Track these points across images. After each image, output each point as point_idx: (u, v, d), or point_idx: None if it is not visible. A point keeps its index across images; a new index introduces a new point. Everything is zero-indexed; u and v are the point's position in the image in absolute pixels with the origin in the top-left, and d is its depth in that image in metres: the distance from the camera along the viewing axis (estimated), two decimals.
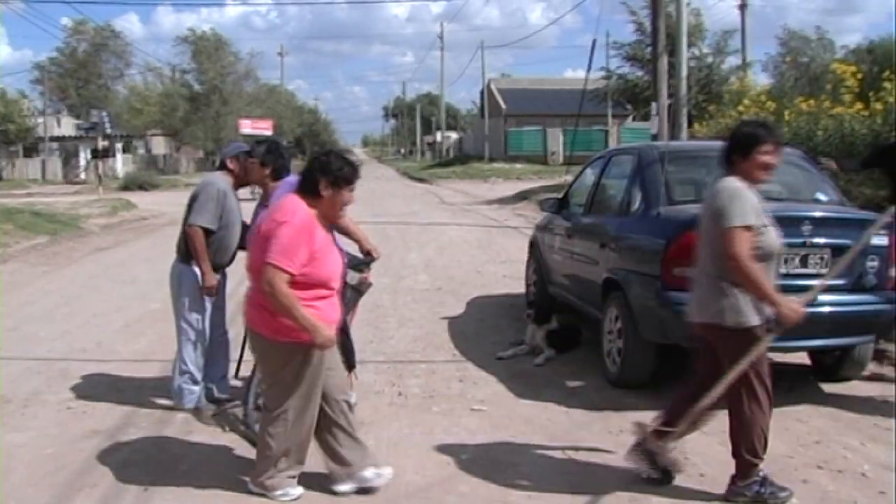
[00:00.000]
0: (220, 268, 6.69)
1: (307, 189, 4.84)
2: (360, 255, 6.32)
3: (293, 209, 4.77)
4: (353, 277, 6.08)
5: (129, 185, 40.67)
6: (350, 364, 6.66)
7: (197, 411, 6.57)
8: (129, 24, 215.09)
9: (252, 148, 6.71)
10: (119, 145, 53.04)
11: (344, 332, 6.48)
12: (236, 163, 6.67)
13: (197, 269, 6.54)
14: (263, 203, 6.31)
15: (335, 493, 5.14)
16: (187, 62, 62.48)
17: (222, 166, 6.77)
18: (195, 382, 6.62)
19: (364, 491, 5.15)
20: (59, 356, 8.50)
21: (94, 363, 8.19)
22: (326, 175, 4.81)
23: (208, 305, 6.63)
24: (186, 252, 6.58)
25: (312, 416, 5.01)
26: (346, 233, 6.45)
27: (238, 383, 6.90)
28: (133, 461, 5.68)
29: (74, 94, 66.57)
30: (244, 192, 7.02)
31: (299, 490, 5.12)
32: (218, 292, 6.69)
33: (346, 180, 4.87)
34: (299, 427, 4.99)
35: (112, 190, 37.77)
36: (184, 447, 5.97)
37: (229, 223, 6.59)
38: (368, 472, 5.19)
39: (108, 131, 44.57)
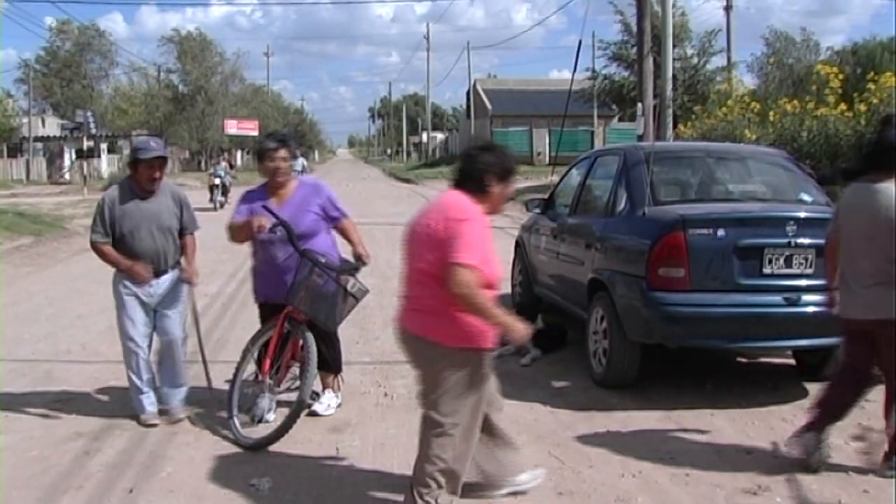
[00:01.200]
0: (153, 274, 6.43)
1: (473, 186, 4.63)
2: (351, 260, 6.45)
3: (468, 206, 4.53)
4: (353, 284, 6.19)
5: (114, 185, 40.48)
6: (337, 367, 6.73)
7: (151, 416, 6.48)
8: (114, 23, 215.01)
9: (279, 138, 6.57)
10: (104, 145, 52.79)
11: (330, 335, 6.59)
12: (132, 167, 6.41)
13: (116, 277, 6.46)
14: (265, 196, 6.45)
15: (490, 499, 5.06)
16: (172, 62, 62.37)
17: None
18: (141, 392, 6.47)
19: (514, 494, 5.10)
20: (44, 358, 8.47)
21: (79, 365, 8.16)
22: (494, 170, 4.66)
23: (138, 315, 6.39)
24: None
25: (478, 429, 4.75)
26: (346, 234, 6.61)
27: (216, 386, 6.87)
28: (118, 463, 5.67)
29: (59, 93, 66.31)
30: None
31: None
32: (145, 282, 6.31)
33: (512, 172, 4.78)
34: (467, 440, 4.67)
35: (97, 190, 37.35)
36: (169, 449, 5.95)
37: (132, 229, 6.32)
38: (524, 476, 5.14)
39: (93, 131, 44.44)
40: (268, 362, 6.17)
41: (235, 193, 24.59)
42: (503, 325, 4.47)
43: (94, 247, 6.37)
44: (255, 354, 6.35)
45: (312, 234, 6.38)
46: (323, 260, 6.13)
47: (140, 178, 6.32)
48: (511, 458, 5.08)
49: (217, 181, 29.02)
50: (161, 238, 6.39)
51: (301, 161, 29.14)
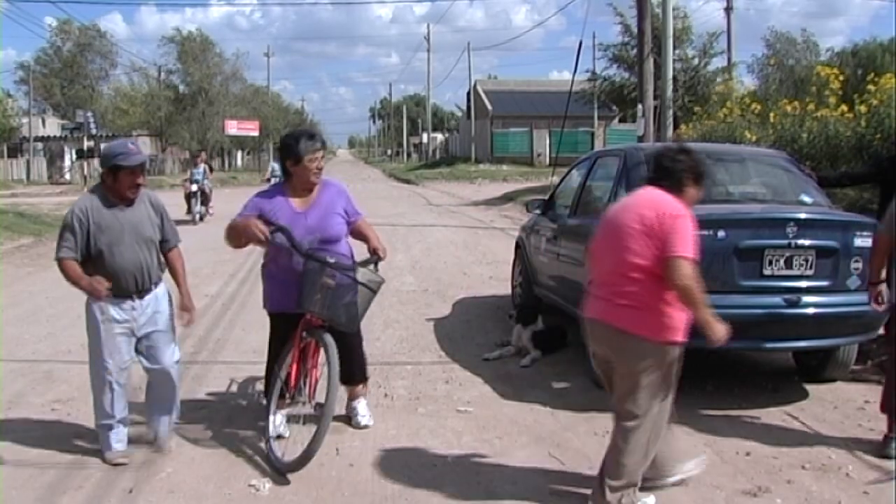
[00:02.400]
0: (127, 294, 5.66)
1: (671, 185, 4.83)
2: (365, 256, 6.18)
3: (676, 202, 4.73)
4: (363, 274, 5.81)
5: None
6: (363, 376, 6.51)
7: (118, 455, 5.74)
8: (113, 24, 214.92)
9: (320, 138, 6.15)
10: (104, 146, 52.74)
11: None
12: (109, 178, 5.61)
13: (90, 299, 5.70)
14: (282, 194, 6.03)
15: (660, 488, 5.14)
16: (173, 62, 62.40)
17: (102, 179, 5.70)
18: (110, 428, 5.73)
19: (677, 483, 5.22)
20: (44, 358, 8.47)
21: (79, 365, 8.11)
22: (692, 172, 4.89)
23: (119, 343, 5.65)
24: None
25: (666, 422, 4.90)
26: (361, 232, 6.23)
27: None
28: (118, 463, 5.67)
29: (59, 94, 66.35)
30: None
31: (652, 499, 4.99)
32: (105, 295, 5.54)
33: (704, 177, 5.02)
34: (657, 433, 4.82)
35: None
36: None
37: (112, 243, 5.54)
38: (690, 463, 5.26)
39: (94, 131, 44.47)
40: (293, 377, 5.79)
41: (219, 201, 24.25)
42: (708, 321, 4.62)
43: (61, 264, 5.52)
44: (283, 375, 5.88)
45: (338, 239, 6.07)
46: (332, 259, 5.74)
47: (120, 187, 5.54)
48: (676, 447, 5.21)
49: (194, 187, 23.95)
50: (144, 251, 5.65)
51: (275, 165, 24.79)
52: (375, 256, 6.04)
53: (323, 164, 6.05)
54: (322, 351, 5.75)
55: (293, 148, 5.95)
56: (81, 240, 5.50)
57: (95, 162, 47.34)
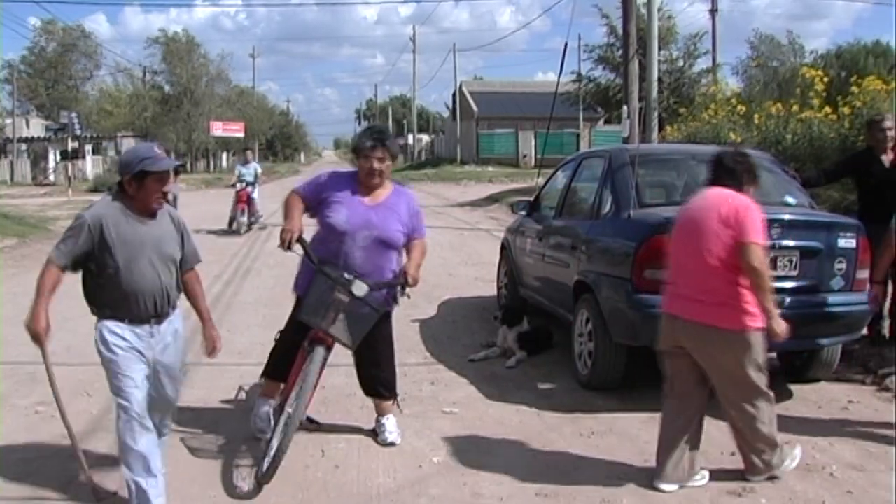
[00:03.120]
0: (144, 319, 4.95)
1: (732, 184, 5.24)
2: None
3: (744, 196, 5.17)
4: (360, 288, 5.48)
5: (99, 186, 40.22)
6: (390, 392, 6.28)
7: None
8: (98, 24, 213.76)
9: (375, 135, 5.88)
10: (89, 147, 52.65)
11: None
12: (133, 187, 4.84)
13: (103, 324, 5.01)
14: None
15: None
16: (158, 63, 62.21)
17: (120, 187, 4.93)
18: (152, 475, 4.87)
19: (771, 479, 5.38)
20: (28, 360, 8.37)
21: (64, 367, 8.08)
22: (751, 173, 5.35)
23: (138, 373, 4.92)
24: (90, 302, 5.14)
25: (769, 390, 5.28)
26: (409, 251, 5.97)
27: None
28: (103, 466, 5.64)
29: (44, 94, 66.09)
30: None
31: (706, 473, 5.40)
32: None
33: (758, 179, 5.49)
34: (771, 404, 5.26)
35: (82, 192, 37.42)
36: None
37: (130, 259, 4.83)
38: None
39: (78, 132, 44.40)
40: (290, 385, 5.66)
41: (205, 203, 23.33)
42: (771, 312, 4.99)
43: (48, 264, 4.84)
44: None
45: (394, 246, 5.83)
46: (349, 277, 5.49)
47: (146, 196, 4.82)
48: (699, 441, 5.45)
49: (241, 185, 20.96)
50: (164, 271, 4.97)
51: (254, 166, 21.77)
52: (403, 278, 5.67)
53: (380, 168, 5.78)
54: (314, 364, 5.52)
55: (356, 140, 6.02)
56: (81, 251, 4.80)
57: (80, 163, 47.36)
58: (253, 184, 20.99)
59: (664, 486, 5.24)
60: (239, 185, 20.96)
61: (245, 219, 20.64)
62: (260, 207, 21.50)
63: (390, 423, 6.18)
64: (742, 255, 4.92)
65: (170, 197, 15.60)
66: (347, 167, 6.04)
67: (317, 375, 5.49)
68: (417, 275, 5.72)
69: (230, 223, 20.75)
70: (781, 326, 4.99)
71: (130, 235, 4.82)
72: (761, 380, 5.14)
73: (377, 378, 6.12)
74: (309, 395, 5.46)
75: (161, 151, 5.02)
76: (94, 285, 4.97)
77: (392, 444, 6.06)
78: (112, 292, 4.88)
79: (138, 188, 4.80)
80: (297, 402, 5.41)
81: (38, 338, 4.97)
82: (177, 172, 19.56)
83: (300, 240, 5.59)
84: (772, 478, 5.32)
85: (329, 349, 5.60)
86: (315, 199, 5.89)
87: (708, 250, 5.04)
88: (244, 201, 20.69)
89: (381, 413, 6.22)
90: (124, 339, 4.89)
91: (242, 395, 7.02)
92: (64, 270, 4.88)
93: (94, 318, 5.04)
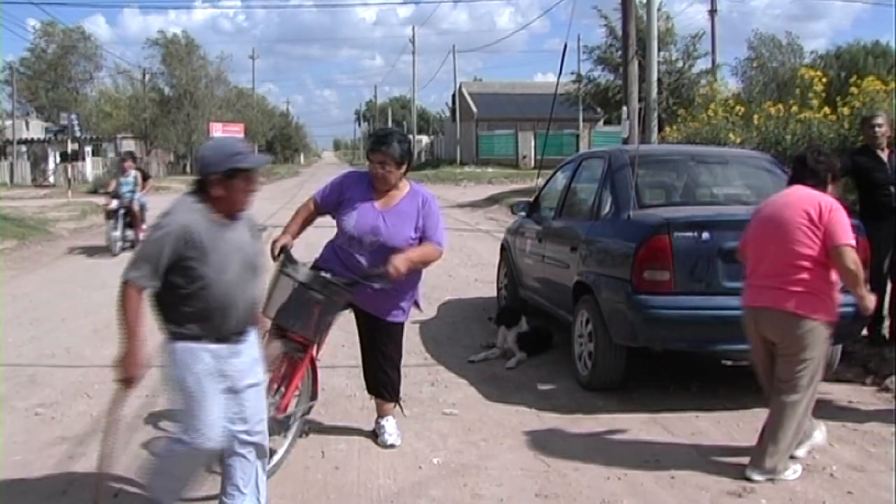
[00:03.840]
0: (228, 338, 4.37)
1: (815, 183, 5.47)
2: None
3: (829, 197, 5.39)
4: (302, 273, 5.47)
5: (99, 188, 40.28)
6: (392, 395, 6.19)
7: None
8: (96, 26, 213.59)
9: (380, 138, 5.77)
10: (88, 148, 52.63)
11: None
12: (220, 187, 4.26)
13: (181, 345, 4.34)
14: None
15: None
16: (157, 65, 62.20)
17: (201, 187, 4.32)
18: None
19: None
20: (27, 362, 8.42)
21: (63, 369, 8.13)
22: (832, 172, 5.56)
23: (220, 402, 4.35)
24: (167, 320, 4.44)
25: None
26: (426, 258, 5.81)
27: None
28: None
29: (43, 96, 66.04)
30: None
31: (799, 467, 5.52)
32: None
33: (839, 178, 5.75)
34: (810, 406, 5.50)
35: (81, 193, 37.36)
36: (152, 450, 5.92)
37: (219, 271, 4.26)
38: (817, 433, 5.83)
39: (78, 134, 44.24)
40: (273, 383, 5.45)
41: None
42: (864, 296, 5.30)
43: (126, 287, 4.14)
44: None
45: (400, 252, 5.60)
46: (327, 275, 5.51)
47: (234, 196, 4.29)
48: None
49: (115, 204, 16.63)
50: (250, 280, 4.44)
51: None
52: (382, 269, 5.49)
53: (382, 173, 5.66)
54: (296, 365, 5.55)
55: (368, 142, 5.99)
56: (167, 264, 4.16)
57: (79, 165, 47.33)
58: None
59: (755, 476, 5.38)
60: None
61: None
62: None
63: (390, 425, 6.14)
64: (836, 259, 5.18)
65: (135, 206, 14.67)
66: (347, 168, 6.02)
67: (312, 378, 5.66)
68: (402, 268, 5.48)
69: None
70: (871, 303, 5.38)
71: (219, 241, 4.26)
72: (816, 380, 5.40)
73: (381, 380, 6.10)
74: (305, 400, 5.69)
75: (247, 146, 4.62)
76: (174, 300, 4.29)
77: (392, 447, 6.03)
78: (198, 307, 4.26)
79: (225, 188, 4.25)
80: (297, 407, 5.52)
81: (132, 382, 4.27)
82: (145, 178, 17.03)
83: (283, 250, 5.55)
84: (771, 479, 5.34)
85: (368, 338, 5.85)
86: (334, 202, 5.84)
87: (795, 246, 5.27)
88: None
89: (381, 414, 6.19)
90: (205, 362, 4.29)
91: None
92: (143, 291, 4.21)
93: (166, 337, 4.42)
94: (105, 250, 16.82)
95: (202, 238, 4.17)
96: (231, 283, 4.28)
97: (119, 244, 16.55)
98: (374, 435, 6.19)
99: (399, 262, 5.47)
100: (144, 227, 15.86)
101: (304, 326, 5.44)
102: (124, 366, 4.21)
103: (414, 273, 5.76)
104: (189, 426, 4.27)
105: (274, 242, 5.59)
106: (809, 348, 5.28)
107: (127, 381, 4.24)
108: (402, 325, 6.09)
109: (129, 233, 16.79)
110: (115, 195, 16.81)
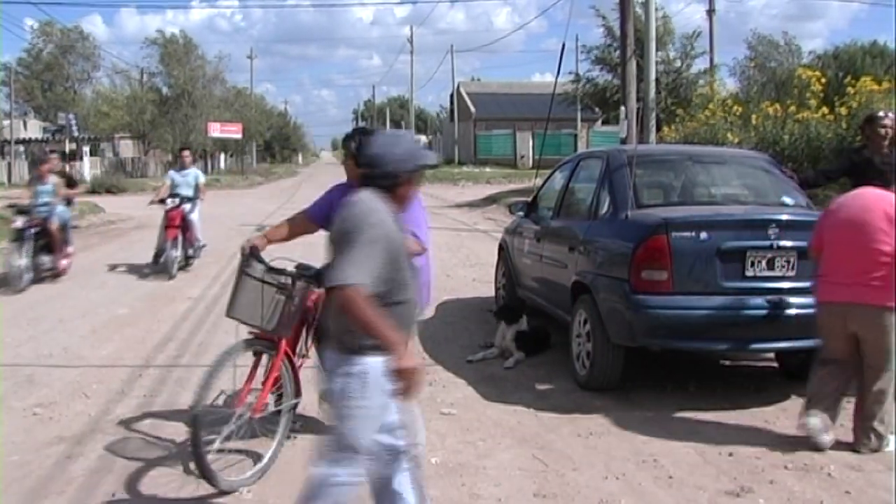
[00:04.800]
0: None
1: (880, 183, 6.00)
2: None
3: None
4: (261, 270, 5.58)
5: (97, 188, 40.23)
6: None
7: None
8: (94, 26, 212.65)
9: (350, 133, 5.70)
10: (86, 148, 52.61)
11: None
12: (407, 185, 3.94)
13: (372, 363, 3.73)
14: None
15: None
16: (155, 65, 62.09)
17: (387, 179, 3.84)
18: None
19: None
20: (25, 362, 8.41)
21: (61, 369, 8.11)
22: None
23: (385, 428, 3.96)
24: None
25: None
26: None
27: None
28: (100, 468, 5.63)
29: (41, 96, 66.05)
30: None
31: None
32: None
33: None
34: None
35: (79, 193, 37.32)
36: (152, 452, 5.91)
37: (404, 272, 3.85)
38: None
39: (75, 134, 44.32)
40: (243, 393, 5.40)
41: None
42: None
43: (354, 293, 3.51)
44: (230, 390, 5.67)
45: None
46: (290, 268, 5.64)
47: (408, 194, 3.98)
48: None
49: (20, 222, 12.72)
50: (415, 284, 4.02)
51: (194, 173, 14.74)
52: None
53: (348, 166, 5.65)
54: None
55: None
56: (387, 268, 3.71)
57: (77, 164, 47.30)
58: (192, 200, 14.37)
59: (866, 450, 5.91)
60: (170, 202, 14.07)
61: (178, 252, 13.82)
62: (201, 234, 14.85)
63: None
64: None
65: (53, 224, 12.50)
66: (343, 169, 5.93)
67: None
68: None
69: (156, 257, 14.00)
70: None
71: (401, 244, 3.88)
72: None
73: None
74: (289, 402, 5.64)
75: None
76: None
77: None
78: (397, 313, 3.80)
79: (409, 185, 3.96)
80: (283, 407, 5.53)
81: (420, 374, 3.64)
82: (71, 185, 14.37)
83: (252, 250, 5.55)
84: (876, 451, 5.88)
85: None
86: (324, 216, 5.47)
87: (877, 245, 5.73)
88: (176, 226, 13.82)
89: None
90: (384, 382, 3.72)
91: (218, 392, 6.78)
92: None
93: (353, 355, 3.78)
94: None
95: (393, 236, 3.79)
96: (408, 285, 3.91)
97: (26, 276, 12.40)
98: None
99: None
100: (70, 249, 13.68)
101: (271, 322, 5.46)
102: (405, 362, 3.55)
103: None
104: (348, 461, 3.83)
105: (247, 241, 5.67)
106: (891, 334, 5.77)
107: (417, 373, 3.60)
108: None
109: (46, 258, 12.96)
110: (24, 210, 12.91)
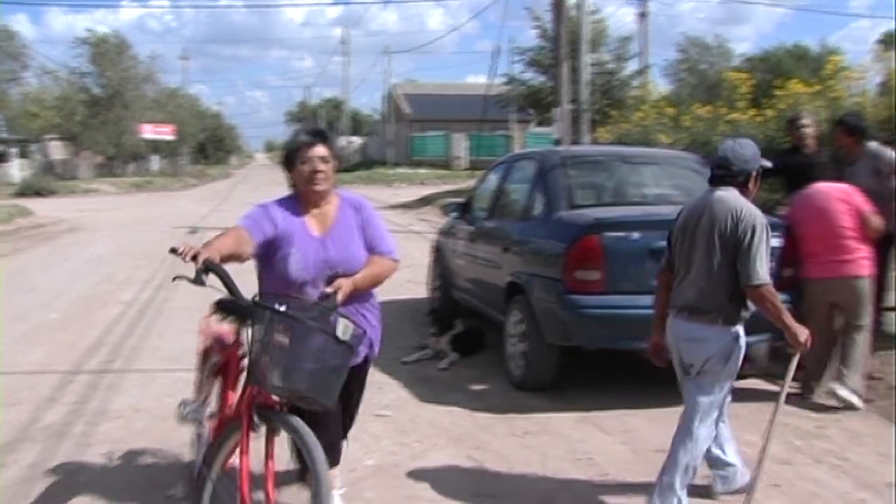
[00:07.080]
0: None
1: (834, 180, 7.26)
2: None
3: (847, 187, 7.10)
4: (345, 328, 3.85)
5: (26, 191, 39.55)
6: (334, 458, 4.72)
7: None
8: (20, 24, 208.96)
9: (315, 131, 4.69)
10: (15, 150, 51.66)
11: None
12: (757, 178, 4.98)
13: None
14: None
15: None
16: (86, 65, 61.03)
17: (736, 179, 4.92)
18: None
19: None
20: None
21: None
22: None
23: None
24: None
25: None
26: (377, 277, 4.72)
27: None
28: (29, 477, 5.53)
29: None
30: None
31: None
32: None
33: None
34: (868, 342, 7.09)
35: (7, 196, 36.62)
36: (82, 458, 5.83)
37: None
38: None
39: (3, 136, 43.45)
40: (243, 479, 4.02)
41: (133, 207, 20.89)
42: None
43: (770, 289, 4.57)
44: (216, 471, 4.19)
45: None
46: (280, 307, 3.82)
47: (752, 190, 5.10)
48: None
49: None
50: None
51: None
52: (330, 293, 4.30)
53: (324, 170, 4.51)
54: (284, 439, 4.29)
55: (289, 143, 4.71)
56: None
57: (5, 167, 46.42)
58: None
59: (840, 391, 6.88)
60: None
61: None
62: None
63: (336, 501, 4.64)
64: (865, 226, 6.86)
65: None
66: (279, 170, 5.32)
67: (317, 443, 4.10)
68: (348, 290, 4.37)
69: None
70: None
71: None
72: (870, 314, 7.04)
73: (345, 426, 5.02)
74: (328, 484, 4.12)
75: None
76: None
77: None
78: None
79: (755, 183, 5.08)
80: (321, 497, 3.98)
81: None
82: None
83: (214, 266, 3.89)
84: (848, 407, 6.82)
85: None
86: (263, 238, 4.45)
87: (839, 221, 6.82)
88: None
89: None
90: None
91: (149, 396, 6.40)
92: None
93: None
94: None
95: None
96: None
97: None
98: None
99: (347, 286, 4.37)
100: None
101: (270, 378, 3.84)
102: (801, 332, 4.61)
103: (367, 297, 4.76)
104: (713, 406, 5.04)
105: (196, 252, 3.86)
106: (867, 297, 6.93)
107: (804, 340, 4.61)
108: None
109: None
110: None
